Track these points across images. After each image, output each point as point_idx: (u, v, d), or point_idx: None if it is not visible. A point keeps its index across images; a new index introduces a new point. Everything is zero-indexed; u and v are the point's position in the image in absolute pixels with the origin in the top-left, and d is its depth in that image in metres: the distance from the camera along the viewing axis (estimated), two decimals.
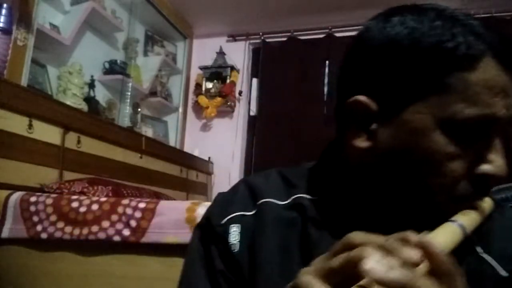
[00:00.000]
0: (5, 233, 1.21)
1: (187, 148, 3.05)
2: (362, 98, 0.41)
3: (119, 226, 1.14)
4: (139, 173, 2.16)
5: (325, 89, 2.87)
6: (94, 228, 1.15)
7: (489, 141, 0.39)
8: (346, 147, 0.45)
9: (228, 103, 2.99)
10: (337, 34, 2.87)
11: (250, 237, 0.47)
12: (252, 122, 3.08)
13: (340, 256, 0.28)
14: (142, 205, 1.15)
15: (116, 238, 1.13)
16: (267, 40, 3.07)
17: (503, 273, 0.41)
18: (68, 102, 1.89)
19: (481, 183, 0.39)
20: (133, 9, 2.62)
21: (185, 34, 3.16)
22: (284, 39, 3.01)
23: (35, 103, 1.54)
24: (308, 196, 0.48)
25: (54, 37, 1.96)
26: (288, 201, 0.48)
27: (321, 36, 2.92)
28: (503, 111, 0.38)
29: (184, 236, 1.06)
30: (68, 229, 1.17)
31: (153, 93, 2.84)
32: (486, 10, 2.41)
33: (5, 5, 1.61)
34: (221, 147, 3.02)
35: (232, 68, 3.05)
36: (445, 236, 0.33)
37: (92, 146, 1.82)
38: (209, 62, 3.12)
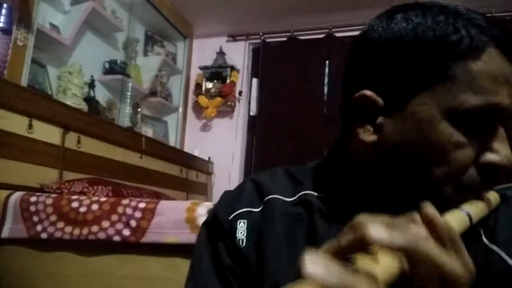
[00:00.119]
0: (5, 233, 1.20)
1: (187, 148, 3.05)
2: (368, 92, 0.42)
3: (119, 226, 1.13)
4: (139, 173, 2.16)
5: (325, 89, 2.86)
6: (94, 228, 1.15)
7: (493, 130, 0.40)
8: (352, 143, 0.45)
9: (228, 103, 2.99)
10: (337, 34, 2.87)
11: (257, 233, 0.47)
12: (252, 122, 3.08)
13: (348, 235, 0.28)
14: (142, 205, 1.15)
15: (116, 238, 1.13)
16: (267, 40, 3.07)
17: (511, 262, 0.41)
18: (68, 102, 1.89)
19: (487, 172, 0.39)
20: (133, 9, 2.62)
21: (185, 34, 3.16)
22: (284, 39, 3.01)
23: (35, 103, 1.54)
24: (314, 193, 0.49)
25: (54, 37, 1.96)
26: (295, 198, 0.49)
27: (321, 36, 2.92)
28: (508, 100, 0.38)
29: (184, 236, 1.06)
30: (68, 229, 1.17)
31: (153, 93, 2.84)
32: (486, 10, 2.41)
33: (5, 5, 1.61)
34: (221, 147, 3.02)
35: (232, 68, 3.05)
36: (451, 221, 0.33)
37: (92, 146, 1.82)
38: (209, 62, 3.12)
